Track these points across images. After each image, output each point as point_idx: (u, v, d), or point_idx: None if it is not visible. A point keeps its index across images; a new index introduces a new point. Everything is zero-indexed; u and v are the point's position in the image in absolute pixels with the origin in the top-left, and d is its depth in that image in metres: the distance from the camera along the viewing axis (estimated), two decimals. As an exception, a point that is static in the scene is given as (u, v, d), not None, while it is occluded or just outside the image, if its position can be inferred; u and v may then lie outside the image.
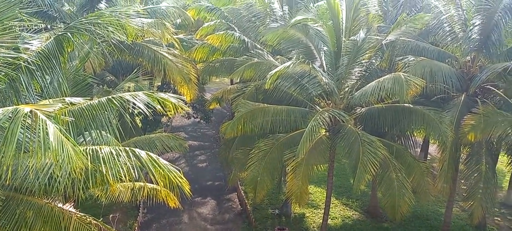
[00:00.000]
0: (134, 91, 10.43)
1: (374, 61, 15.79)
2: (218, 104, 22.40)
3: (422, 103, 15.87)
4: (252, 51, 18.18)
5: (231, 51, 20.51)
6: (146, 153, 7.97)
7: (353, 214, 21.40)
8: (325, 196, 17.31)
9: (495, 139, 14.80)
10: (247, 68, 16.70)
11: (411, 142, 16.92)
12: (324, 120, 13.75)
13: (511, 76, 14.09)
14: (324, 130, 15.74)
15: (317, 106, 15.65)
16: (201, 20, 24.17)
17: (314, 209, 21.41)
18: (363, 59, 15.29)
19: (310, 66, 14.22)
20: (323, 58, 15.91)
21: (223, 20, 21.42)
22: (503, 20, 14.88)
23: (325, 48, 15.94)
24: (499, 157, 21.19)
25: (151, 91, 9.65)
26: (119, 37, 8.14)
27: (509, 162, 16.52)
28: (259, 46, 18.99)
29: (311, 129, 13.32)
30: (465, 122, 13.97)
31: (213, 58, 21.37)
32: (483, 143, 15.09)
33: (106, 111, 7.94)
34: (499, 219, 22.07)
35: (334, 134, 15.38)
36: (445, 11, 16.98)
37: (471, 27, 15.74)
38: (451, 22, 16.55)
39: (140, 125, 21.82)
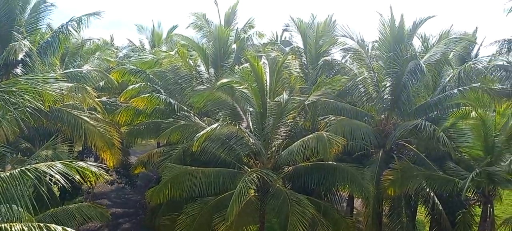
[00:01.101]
0: (52, 159, 9.77)
1: (298, 120, 16.34)
2: (143, 168, 21.59)
3: (345, 160, 16.58)
4: (179, 114, 18.04)
5: (157, 113, 20.19)
6: (62, 228, 7.37)
7: (285, 274, 21.14)
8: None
9: (413, 192, 15.67)
10: (174, 131, 16.47)
11: (337, 198, 17.37)
12: (252, 181, 13.77)
13: (421, 133, 15.24)
14: (253, 191, 15.74)
15: (246, 167, 15.70)
16: (125, 82, 23.72)
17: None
18: (288, 119, 15.79)
19: (237, 127, 14.37)
20: (249, 119, 16.19)
21: (148, 83, 21.19)
22: (410, 82, 16.28)
23: (251, 109, 16.26)
24: (418, 208, 22.45)
25: (70, 159, 9.10)
26: (36, 105, 7.69)
27: (426, 213, 17.50)
28: (185, 108, 18.92)
29: (240, 191, 13.24)
30: (384, 177, 14.73)
31: (138, 121, 20.83)
32: (402, 197, 15.91)
33: (19, 184, 7.32)
34: (421, 268, 23.04)
35: (263, 194, 15.40)
36: (359, 74, 18.27)
37: (383, 88, 17.02)
38: (365, 83, 17.81)
39: (58, 193, 20.30)
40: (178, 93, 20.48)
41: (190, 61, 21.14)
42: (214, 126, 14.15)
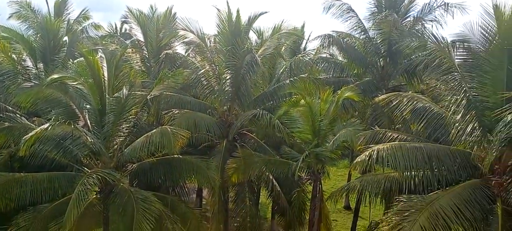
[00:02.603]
0: None
1: (141, 116, 15.90)
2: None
3: (191, 152, 16.77)
4: (2, 115, 15.92)
5: (-27, 116, 17.43)
6: None
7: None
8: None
9: (255, 177, 16.66)
10: (-4, 134, 14.46)
11: (185, 191, 17.50)
12: (92, 182, 12.96)
13: (259, 121, 16.28)
14: (95, 193, 14.85)
15: (86, 168, 14.69)
16: None
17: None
18: (130, 115, 15.21)
19: (72, 126, 13.31)
20: (87, 117, 15.16)
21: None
22: (248, 74, 17.23)
23: (88, 106, 15.24)
24: (261, 191, 23.99)
25: None
26: None
27: (268, 195, 18.81)
28: (11, 108, 16.78)
29: (78, 195, 12.34)
30: (228, 166, 15.35)
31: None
32: (246, 182, 16.82)
33: None
34: (267, 247, 24.78)
35: (106, 195, 14.65)
36: (202, 67, 18.64)
37: (224, 81, 17.67)
38: (208, 76, 18.26)
39: None
40: (0, 92, 18.03)
41: (14, 56, 18.76)
42: (45, 126, 12.83)
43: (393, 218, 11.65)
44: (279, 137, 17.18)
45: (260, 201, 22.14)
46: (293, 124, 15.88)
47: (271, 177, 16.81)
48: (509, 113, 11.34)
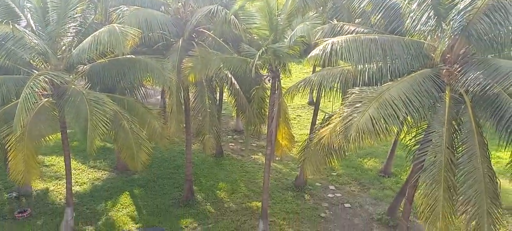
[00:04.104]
0: None
1: (88, 15, 15.03)
2: None
3: (146, 52, 16.21)
4: None
5: None
6: None
7: (102, 175, 20.97)
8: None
9: (213, 76, 16.38)
10: None
11: (142, 92, 17.19)
12: (39, 85, 12.49)
13: (215, 17, 15.61)
14: (47, 96, 14.44)
15: (35, 71, 14.10)
16: None
17: (59, 180, 19.99)
18: (76, 13, 14.39)
19: (11, 26, 12.49)
20: (29, 16, 14.22)
21: None
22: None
23: (29, 5, 14.26)
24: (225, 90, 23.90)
25: None
26: None
27: (229, 93, 18.69)
28: None
29: (26, 98, 11.97)
30: (184, 65, 14.93)
31: None
32: (204, 82, 16.57)
33: None
34: (233, 144, 25.39)
35: (59, 98, 14.27)
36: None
37: (177, -26, 16.60)
38: (160, -31, 17.06)
39: None
40: None
41: None
42: (-20, 26, 12.02)
43: (345, 110, 11.81)
44: (237, 34, 16.68)
45: (227, 100, 22.15)
46: (250, 19, 15.30)
47: (229, 75, 16.60)
48: (462, 0, 11.16)
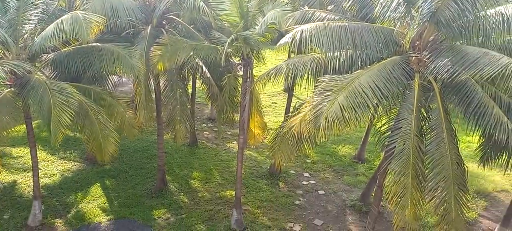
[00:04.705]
0: None
1: (51, 1, 14.43)
2: None
3: (113, 40, 15.68)
4: None
5: None
6: None
7: (72, 166, 20.46)
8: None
9: (183, 64, 15.98)
10: None
11: (111, 82, 16.68)
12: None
13: (184, 3, 15.21)
14: (8, 87, 13.88)
15: (-4, 61, 13.49)
16: None
17: (27, 172, 19.38)
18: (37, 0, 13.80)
19: (-34, 14, 11.88)
20: (-14, 4, 13.58)
21: None
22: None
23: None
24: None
25: None
26: None
27: (201, 82, 18.36)
28: None
29: (-17, 89, 11.43)
30: (153, 53, 14.52)
31: None
32: (174, 70, 16.20)
33: None
34: (207, 132, 25.10)
35: (22, 89, 13.72)
36: None
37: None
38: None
39: None
40: None
41: None
42: None
43: (315, 98, 11.68)
44: (208, 21, 16.32)
45: (201, 88, 21.75)
46: (220, 6, 14.93)
47: (200, 63, 16.26)
48: (431, -14, 11.09)
